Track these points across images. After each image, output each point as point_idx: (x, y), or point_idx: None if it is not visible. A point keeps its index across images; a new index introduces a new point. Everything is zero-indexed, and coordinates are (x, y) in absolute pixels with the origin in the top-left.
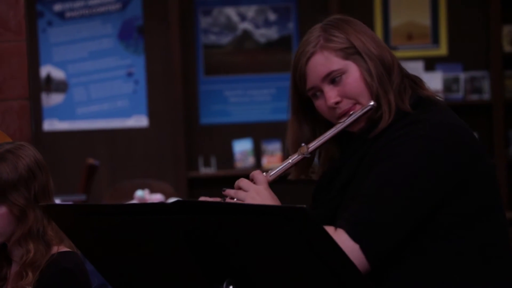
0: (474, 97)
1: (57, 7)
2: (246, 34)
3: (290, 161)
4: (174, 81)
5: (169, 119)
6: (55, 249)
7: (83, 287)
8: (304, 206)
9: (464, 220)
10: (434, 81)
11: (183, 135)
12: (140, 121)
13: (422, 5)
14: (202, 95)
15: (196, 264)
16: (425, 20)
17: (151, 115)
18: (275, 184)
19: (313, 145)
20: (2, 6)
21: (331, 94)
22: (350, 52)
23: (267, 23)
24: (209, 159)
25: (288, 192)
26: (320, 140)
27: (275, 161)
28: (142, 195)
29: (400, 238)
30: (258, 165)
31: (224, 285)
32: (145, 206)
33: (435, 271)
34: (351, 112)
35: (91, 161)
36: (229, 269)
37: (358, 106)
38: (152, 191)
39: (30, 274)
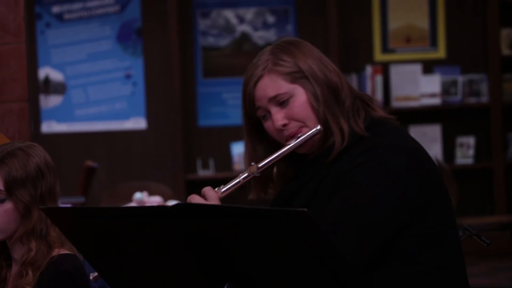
0: (472, 100)
1: (56, 9)
2: (245, 37)
3: (240, 179)
4: (173, 83)
5: (167, 121)
6: (56, 251)
7: None
8: (305, 210)
9: (422, 241)
10: (432, 84)
11: (181, 137)
12: (139, 123)
13: (421, 8)
14: (200, 97)
15: (197, 267)
16: (424, 23)
17: (150, 117)
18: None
19: (262, 164)
20: (1, 9)
21: (278, 116)
22: (298, 76)
23: (266, 26)
24: (208, 161)
25: None
26: (269, 160)
27: None
28: (141, 197)
29: (362, 265)
30: None
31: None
32: (145, 209)
33: None
34: (299, 135)
35: (89, 163)
36: (230, 271)
37: (305, 129)
38: (151, 193)
39: (30, 273)
